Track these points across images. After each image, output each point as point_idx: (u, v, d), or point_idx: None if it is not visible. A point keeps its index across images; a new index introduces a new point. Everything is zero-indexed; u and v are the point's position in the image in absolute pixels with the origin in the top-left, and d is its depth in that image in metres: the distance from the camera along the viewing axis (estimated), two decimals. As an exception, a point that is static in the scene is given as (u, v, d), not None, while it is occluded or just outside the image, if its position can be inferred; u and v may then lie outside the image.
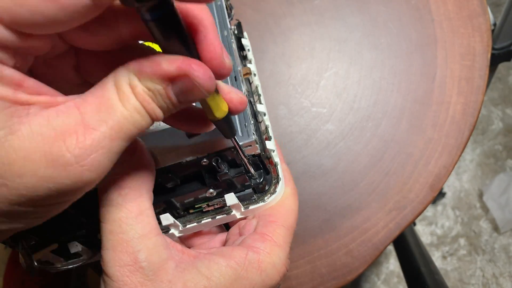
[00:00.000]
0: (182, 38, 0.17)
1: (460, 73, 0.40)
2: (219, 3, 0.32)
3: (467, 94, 0.40)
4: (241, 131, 0.25)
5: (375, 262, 1.04)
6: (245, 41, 0.33)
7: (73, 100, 0.17)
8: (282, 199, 0.28)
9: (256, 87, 0.31)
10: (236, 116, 0.26)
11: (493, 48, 0.72)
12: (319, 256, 0.38)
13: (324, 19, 0.43)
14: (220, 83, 0.21)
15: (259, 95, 0.31)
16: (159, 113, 0.18)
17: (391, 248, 1.03)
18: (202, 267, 0.22)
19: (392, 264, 1.03)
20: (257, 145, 0.26)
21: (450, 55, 0.41)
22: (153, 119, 0.18)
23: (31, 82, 0.17)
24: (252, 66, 0.32)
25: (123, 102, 0.17)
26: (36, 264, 0.26)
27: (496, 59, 0.74)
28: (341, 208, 0.39)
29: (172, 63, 0.17)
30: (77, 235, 0.27)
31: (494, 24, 0.71)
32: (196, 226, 0.27)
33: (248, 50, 0.34)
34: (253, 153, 0.26)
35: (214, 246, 0.28)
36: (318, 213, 0.39)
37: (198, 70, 0.17)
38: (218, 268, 0.22)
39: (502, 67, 1.15)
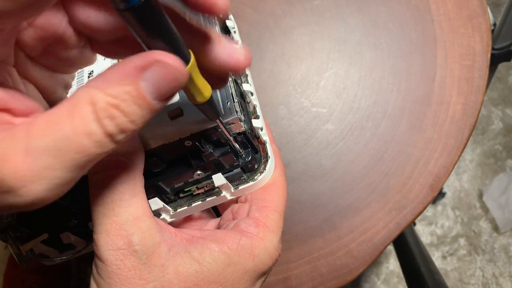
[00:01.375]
0: (164, 31, 0.16)
1: (460, 73, 0.41)
2: None
3: (467, 94, 0.40)
4: (224, 109, 0.25)
5: (375, 262, 1.04)
6: (229, 23, 0.31)
7: (26, 123, 0.15)
8: (273, 180, 0.27)
9: None
10: (218, 95, 0.25)
11: (493, 48, 0.72)
12: (319, 256, 0.38)
13: (324, 19, 0.43)
14: (217, 38, 0.19)
15: (246, 75, 0.30)
16: (124, 129, 0.15)
17: (391, 248, 1.03)
18: (194, 252, 0.22)
19: (392, 264, 1.03)
20: (242, 123, 0.25)
21: (450, 55, 0.41)
22: (114, 141, 0.16)
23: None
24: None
25: (74, 124, 0.15)
26: (25, 254, 0.26)
27: (496, 59, 0.74)
28: (341, 208, 0.39)
29: (140, 57, 0.15)
30: (69, 226, 0.27)
31: (494, 24, 0.71)
32: (187, 210, 0.27)
33: (235, 31, 0.32)
34: (238, 131, 0.25)
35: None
36: (318, 213, 0.39)
37: (168, 55, 0.16)
38: (210, 253, 0.22)
39: (502, 67, 1.15)
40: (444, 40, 0.41)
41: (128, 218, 0.21)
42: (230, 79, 0.26)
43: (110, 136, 0.15)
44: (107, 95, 0.15)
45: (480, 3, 0.42)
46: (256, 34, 0.42)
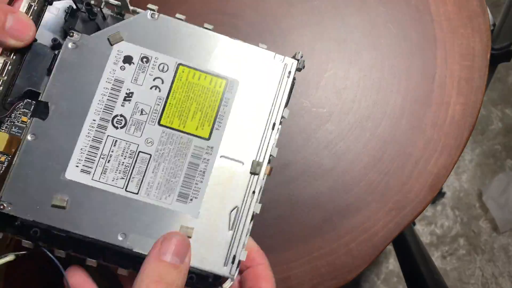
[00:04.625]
0: None
1: (460, 74, 0.41)
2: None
3: (466, 94, 0.40)
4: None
5: (375, 262, 1.05)
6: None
7: None
8: None
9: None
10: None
11: (492, 49, 0.72)
12: (319, 255, 0.38)
13: (324, 20, 0.43)
14: None
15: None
16: None
17: (390, 247, 1.03)
18: None
19: (392, 263, 1.03)
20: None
21: (450, 56, 0.41)
22: None
23: None
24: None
25: None
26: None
27: (495, 60, 0.74)
28: (341, 208, 0.39)
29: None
30: None
31: (494, 25, 0.71)
32: None
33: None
34: None
35: None
36: (318, 213, 0.39)
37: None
38: None
39: (501, 67, 1.15)
40: (444, 40, 0.41)
41: None
42: None
43: None
44: None
45: (480, 3, 0.42)
46: (256, 35, 0.42)
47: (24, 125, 0.26)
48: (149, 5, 0.27)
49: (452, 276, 1.01)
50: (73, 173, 0.25)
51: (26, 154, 0.25)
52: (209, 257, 0.25)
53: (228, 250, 0.25)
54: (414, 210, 0.38)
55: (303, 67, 0.29)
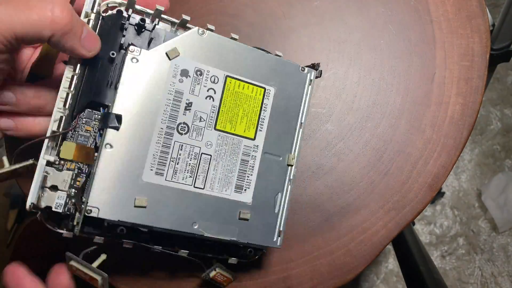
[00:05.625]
0: None
1: (459, 74, 0.41)
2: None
3: (466, 94, 0.40)
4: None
5: (374, 262, 1.05)
6: None
7: None
8: None
9: None
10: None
11: (491, 49, 0.72)
12: (319, 255, 0.38)
13: (323, 20, 0.43)
14: None
15: None
16: None
17: (390, 247, 1.03)
18: None
19: (391, 263, 1.04)
20: None
21: (449, 56, 0.41)
22: None
23: None
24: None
25: None
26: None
27: (494, 60, 0.75)
28: (341, 208, 0.39)
29: None
30: None
31: (493, 25, 0.71)
32: None
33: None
34: None
35: None
36: (318, 213, 0.39)
37: None
38: None
39: (500, 67, 1.15)
40: (443, 40, 0.41)
41: None
42: None
43: None
44: None
45: (479, 4, 0.42)
46: (256, 35, 0.43)
47: (88, 134, 0.29)
48: (208, 25, 0.31)
49: (452, 276, 1.02)
50: (149, 176, 0.28)
51: (105, 163, 0.27)
52: (263, 235, 0.31)
53: (277, 227, 0.32)
54: (414, 209, 0.39)
55: (320, 75, 0.34)
